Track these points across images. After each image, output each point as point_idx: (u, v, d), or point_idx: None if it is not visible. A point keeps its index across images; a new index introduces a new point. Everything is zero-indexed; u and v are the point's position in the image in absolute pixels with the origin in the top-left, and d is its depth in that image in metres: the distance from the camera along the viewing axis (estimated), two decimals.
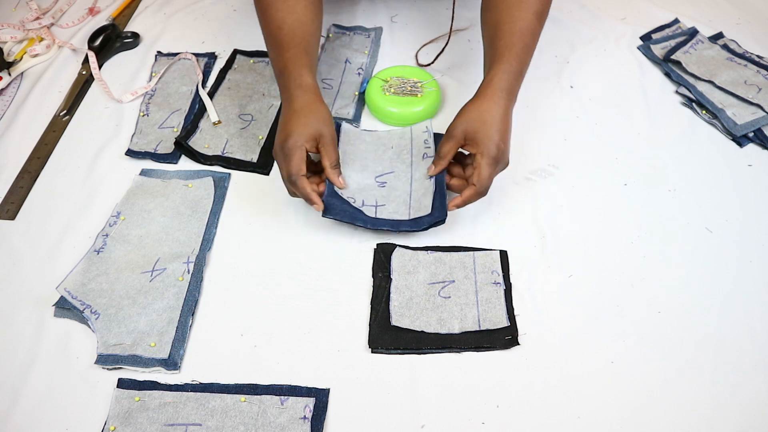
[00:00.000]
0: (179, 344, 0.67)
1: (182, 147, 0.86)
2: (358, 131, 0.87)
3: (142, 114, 0.92)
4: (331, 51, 1.02)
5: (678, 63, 0.99)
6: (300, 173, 0.73)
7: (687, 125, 0.92)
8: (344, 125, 0.86)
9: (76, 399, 0.64)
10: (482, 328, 0.69)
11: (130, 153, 0.86)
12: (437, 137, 0.82)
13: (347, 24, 1.07)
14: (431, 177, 0.79)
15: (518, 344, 0.68)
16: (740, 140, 0.89)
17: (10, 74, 0.98)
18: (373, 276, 0.73)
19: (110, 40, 1.02)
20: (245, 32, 1.06)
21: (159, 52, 1.02)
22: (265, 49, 1.01)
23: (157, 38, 1.05)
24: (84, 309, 0.69)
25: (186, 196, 0.81)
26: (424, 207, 0.77)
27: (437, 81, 0.94)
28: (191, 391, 0.64)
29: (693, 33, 1.04)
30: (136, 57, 1.02)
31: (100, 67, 1.00)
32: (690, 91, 0.95)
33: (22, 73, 1.00)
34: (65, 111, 0.93)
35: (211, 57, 1.01)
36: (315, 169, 0.78)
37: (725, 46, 1.02)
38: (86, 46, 1.01)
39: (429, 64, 0.99)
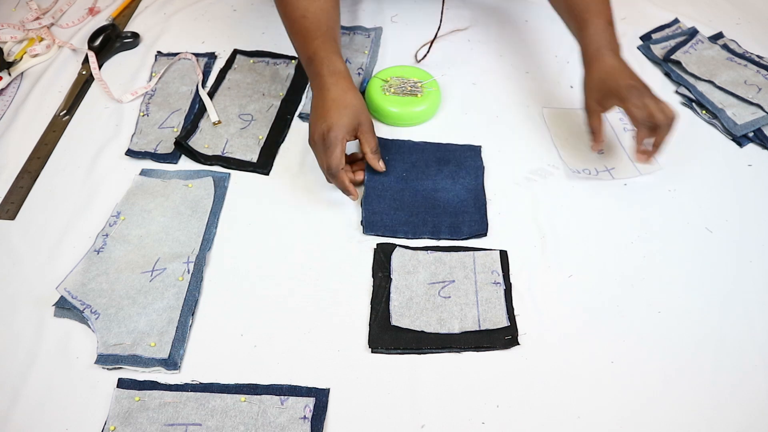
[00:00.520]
0: (179, 344, 0.67)
1: (182, 147, 0.86)
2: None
3: (142, 114, 0.92)
4: None
5: (678, 63, 0.99)
6: (341, 166, 0.75)
7: (687, 125, 0.92)
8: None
9: (76, 399, 0.64)
10: (482, 328, 0.69)
11: (130, 153, 0.86)
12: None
13: (347, 24, 1.07)
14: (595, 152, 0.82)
15: (518, 344, 0.68)
16: (740, 140, 0.89)
17: (10, 74, 0.98)
18: (373, 276, 0.73)
19: (110, 40, 1.02)
20: (245, 32, 1.06)
21: (159, 52, 1.02)
22: (265, 49, 1.02)
23: (157, 38, 1.05)
24: (84, 309, 0.69)
25: (186, 196, 0.81)
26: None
27: (437, 81, 0.94)
28: (191, 391, 0.64)
29: (693, 33, 1.04)
30: (136, 57, 1.02)
31: (100, 67, 1.00)
32: (690, 91, 0.95)
33: (22, 73, 1.00)
34: (65, 111, 0.93)
35: (211, 57, 1.01)
36: (349, 159, 0.81)
37: (725, 46, 1.02)
38: (86, 46, 1.01)
39: (421, 59, 0.99)
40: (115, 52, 1.03)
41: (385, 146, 0.86)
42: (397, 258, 0.74)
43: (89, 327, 0.68)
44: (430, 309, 0.70)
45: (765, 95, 0.93)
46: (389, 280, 0.73)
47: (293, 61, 1.00)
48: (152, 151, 0.87)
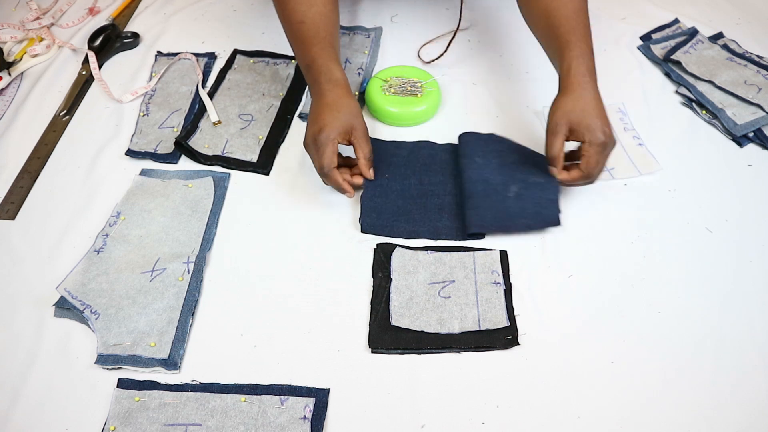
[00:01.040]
0: (179, 344, 0.67)
1: (182, 147, 0.86)
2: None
3: (142, 114, 0.92)
4: None
5: (678, 63, 0.99)
6: (332, 166, 0.75)
7: (687, 125, 0.92)
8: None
9: (76, 399, 0.64)
10: (482, 328, 0.69)
11: (130, 153, 0.86)
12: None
13: (347, 24, 1.07)
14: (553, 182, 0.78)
15: (518, 344, 0.68)
16: (740, 140, 0.89)
17: (10, 74, 0.98)
18: (373, 276, 0.73)
19: (110, 40, 1.02)
20: (245, 32, 1.06)
21: (159, 52, 1.02)
22: (265, 49, 1.02)
23: (157, 38, 1.05)
24: (84, 309, 0.69)
25: (186, 196, 0.81)
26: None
27: (437, 81, 0.94)
28: (191, 391, 0.64)
29: (693, 33, 1.04)
30: (136, 57, 1.02)
31: (100, 67, 1.00)
32: (690, 91, 0.95)
33: (22, 73, 1.00)
34: (65, 111, 0.93)
35: (211, 57, 1.01)
36: (344, 162, 0.80)
37: (725, 46, 1.02)
38: (86, 46, 1.01)
39: (434, 60, 0.99)
40: (115, 52, 1.03)
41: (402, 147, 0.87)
42: (397, 258, 0.74)
43: (89, 327, 0.68)
44: (430, 309, 0.70)
45: (765, 95, 0.93)
46: (389, 280, 0.73)
47: (293, 61, 1.00)
48: (152, 151, 0.87)
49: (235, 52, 1.02)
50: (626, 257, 0.76)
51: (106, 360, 0.66)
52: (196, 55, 1.01)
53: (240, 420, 0.62)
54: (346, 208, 0.80)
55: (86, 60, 1.00)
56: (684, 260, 0.76)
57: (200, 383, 0.65)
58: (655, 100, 0.96)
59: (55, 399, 0.64)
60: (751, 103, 0.92)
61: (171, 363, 0.66)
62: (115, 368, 0.66)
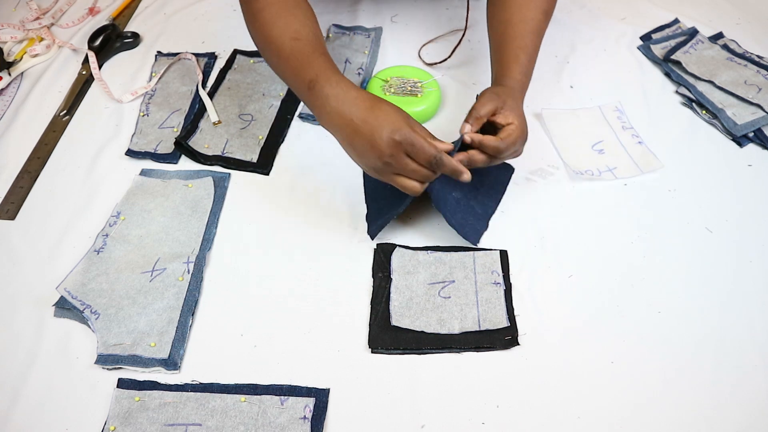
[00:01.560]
0: (179, 344, 0.67)
1: (182, 147, 0.86)
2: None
3: (142, 114, 0.92)
4: (331, 51, 1.01)
5: (678, 63, 0.99)
6: (438, 151, 0.67)
7: (687, 125, 0.92)
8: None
9: (76, 399, 0.64)
10: (482, 328, 0.69)
11: (130, 153, 0.86)
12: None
13: (347, 24, 1.07)
14: (461, 136, 0.73)
15: (518, 344, 0.68)
16: (740, 140, 0.89)
17: (10, 74, 0.98)
18: (373, 276, 0.73)
19: (110, 40, 1.02)
20: (245, 32, 1.05)
21: (159, 52, 1.02)
22: None
23: (157, 38, 1.05)
24: (84, 309, 0.69)
25: (186, 196, 0.81)
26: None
27: (437, 81, 0.94)
28: (191, 391, 0.64)
29: (693, 33, 1.04)
30: (136, 57, 1.02)
31: (100, 67, 1.00)
32: (690, 91, 0.95)
33: (22, 73, 1.00)
34: (65, 111, 0.93)
35: (211, 57, 1.01)
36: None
37: (725, 46, 1.02)
38: (86, 46, 1.01)
39: (438, 63, 0.99)
40: (115, 52, 1.03)
41: None
42: (397, 258, 0.74)
43: (89, 327, 0.68)
44: (430, 309, 0.70)
45: (765, 95, 0.93)
46: (389, 280, 0.73)
47: None
48: (152, 151, 0.87)
49: (235, 52, 1.02)
50: (626, 257, 0.76)
51: (106, 360, 0.66)
52: (196, 55, 1.01)
53: (240, 420, 0.62)
54: (346, 208, 0.80)
55: (86, 60, 1.00)
56: (684, 260, 0.76)
57: (200, 383, 0.65)
58: (655, 100, 0.96)
59: (55, 399, 0.64)
60: (751, 103, 0.92)
61: (171, 363, 0.66)
62: (115, 368, 0.66)
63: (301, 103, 0.94)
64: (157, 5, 1.12)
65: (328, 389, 0.64)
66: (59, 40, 1.04)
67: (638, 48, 1.04)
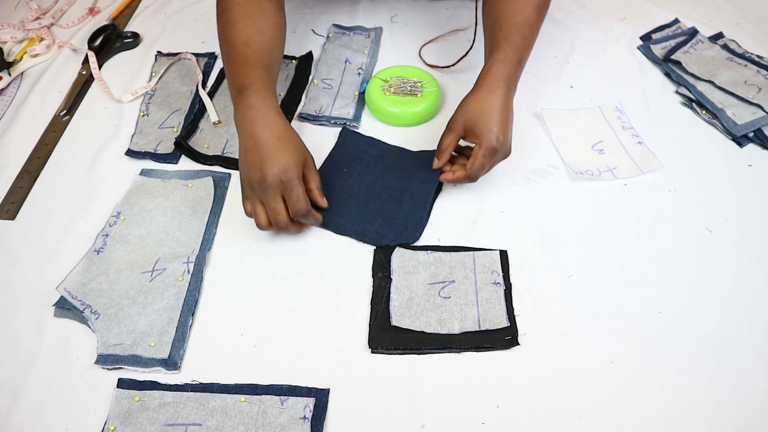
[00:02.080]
0: (179, 344, 0.67)
1: (182, 147, 0.86)
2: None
3: (142, 114, 0.92)
4: (331, 51, 1.01)
5: (678, 63, 0.99)
6: (309, 205, 0.73)
7: (687, 125, 0.92)
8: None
9: (76, 399, 0.64)
10: (482, 328, 0.69)
11: (130, 153, 0.86)
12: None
13: (347, 24, 1.07)
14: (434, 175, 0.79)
15: (518, 344, 0.68)
16: (740, 140, 0.89)
17: (10, 74, 0.98)
18: (373, 276, 0.73)
19: (110, 40, 1.02)
20: None
21: (159, 52, 1.02)
22: None
23: (157, 38, 1.05)
24: (84, 309, 0.69)
25: (186, 196, 0.81)
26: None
27: (437, 81, 0.94)
28: (191, 391, 0.64)
29: (693, 33, 1.04)
30: (136, 57, 1.02)
31: (100, 67, 1.00)
32: (690, 91, 0.95)
33: (22, 73, 1.00)
34: (65, 111, 0.93)
35: (211, 57, 1.01)
36: None
37: (725, 46, 1.02)
38: (86, 46, 1.01)
39: (446, 67, 0.98)
40: (115, 52, 1.03)
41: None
42: (397, 258, 0.74)
43: (89, 327, 0.68)
44: (430, 309, 0.70)
45: (765, 95, 0.93)
46: (389, 280, 0.73)
47: (293, 61, 1.00)
48: (152, 151, 0.87)
49: None
50: (626, 257, 0.76)
51: (106, 360, 0.66)
52: (196, 55, 1.01)
53: (240, 420, 0.62)
54: None
55: (86, 60, 1.00)
56: (684, 260, 0.76)
57: (200, 383, 0.65)
58: (655, 100, 0.96)
59: (55, 399, 0.64)
60: (751, 103, 0.92)
61: (171, 363, 0.66)
62: (115, 368, 0.66)
63: (301, 104, 0.94)
64: (157, 5, 1.12)
65: (328, 389, 0.64)
66: (59, 40, 1.04)
67: (638, 48, 1.04)
